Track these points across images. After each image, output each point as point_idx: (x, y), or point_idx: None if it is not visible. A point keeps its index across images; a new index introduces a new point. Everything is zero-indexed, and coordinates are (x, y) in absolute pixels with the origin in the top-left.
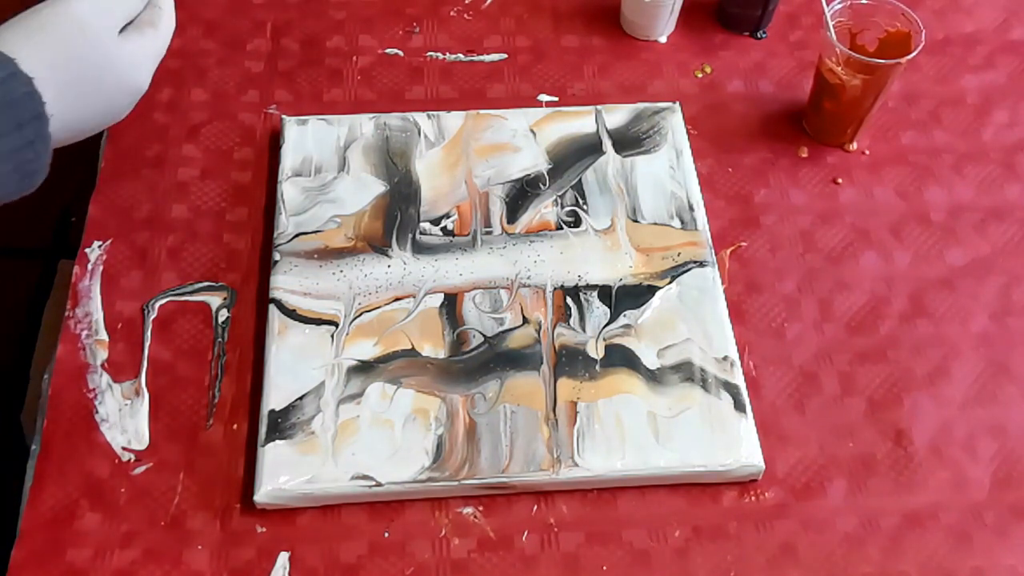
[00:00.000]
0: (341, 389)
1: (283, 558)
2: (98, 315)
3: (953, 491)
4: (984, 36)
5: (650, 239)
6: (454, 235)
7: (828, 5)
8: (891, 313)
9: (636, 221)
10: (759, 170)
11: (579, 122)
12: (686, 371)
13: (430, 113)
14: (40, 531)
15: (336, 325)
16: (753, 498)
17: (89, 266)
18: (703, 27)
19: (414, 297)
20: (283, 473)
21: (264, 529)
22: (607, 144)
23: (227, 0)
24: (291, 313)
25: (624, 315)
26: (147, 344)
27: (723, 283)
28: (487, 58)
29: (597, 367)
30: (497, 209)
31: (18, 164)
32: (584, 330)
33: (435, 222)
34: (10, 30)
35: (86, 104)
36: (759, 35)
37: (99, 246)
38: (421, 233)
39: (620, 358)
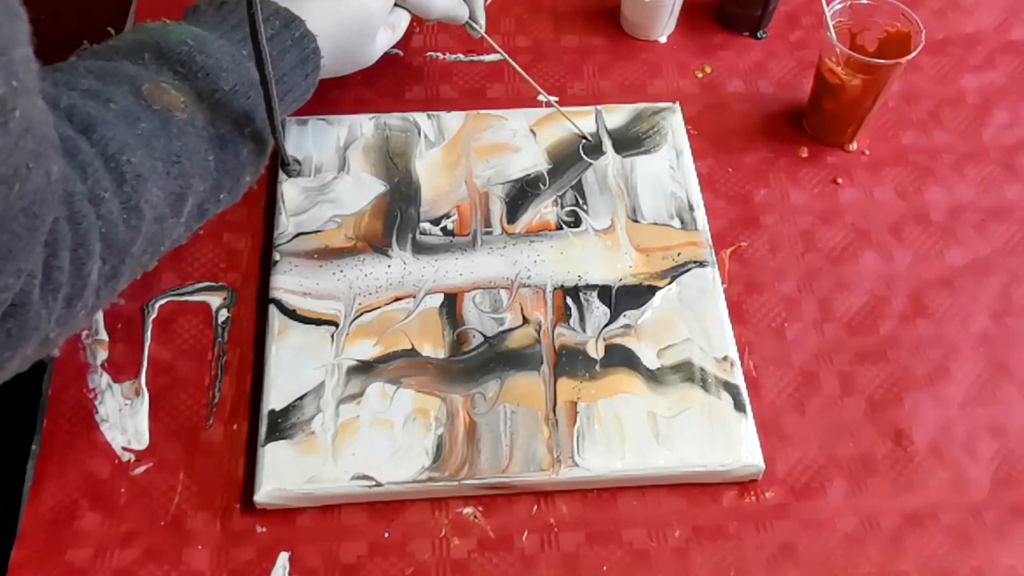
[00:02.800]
0: (341, 389)
1: (283, 558)
2: (98, 315)
3: (953, 491)
4: (984, 36)
5: (650, 239)
6: (454, 235)
7: (828, 5)
8: (891, 313)
9: (636, 221)
10: (759, 170)
11: (579, 122)
12: (686, 371)
13: (430, 113)
14: (40, 531)
15: (336, 325)
16: (753, 498)
17: None
18: (703, 27)
19: (414, 297)
20: (283, 473)
21: (264, 529)
22: (607, 144)
23: None
24: (291, 313)
25: (624, 315)
26: (147, 344)
27: (723, 283)
28: (487, 58)
29: (597, 367)
30: (497, 209)
31: (298, 105)
32: (584, 330)
33: (435, 222)
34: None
35: (337, 66)
36: (759, 35)
37: None
38: (421, 233)
39: (620, 358)
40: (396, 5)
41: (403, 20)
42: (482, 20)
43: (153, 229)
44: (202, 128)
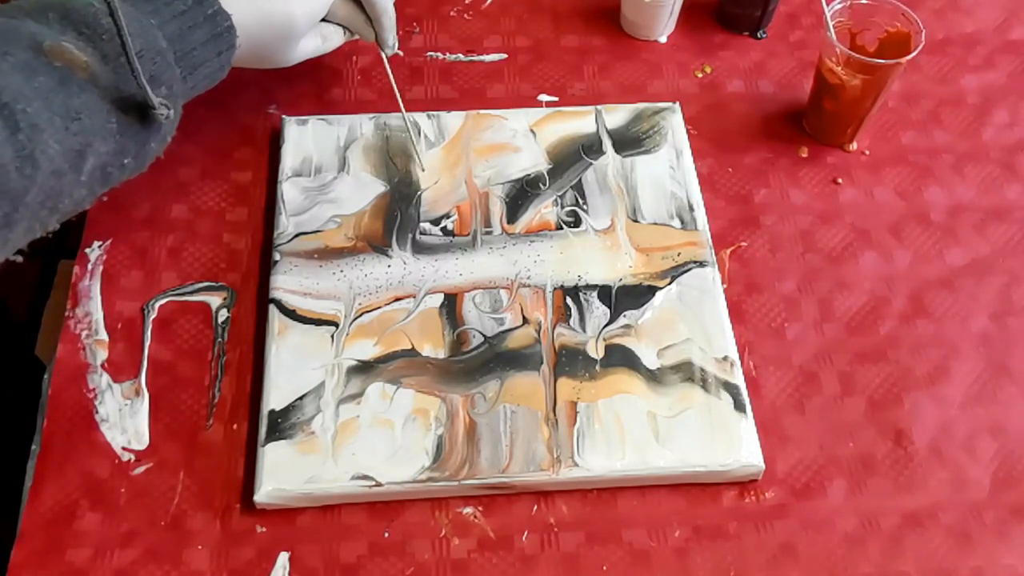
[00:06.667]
0: (341, 389)
1: (283, 558)
2: (98, 315)
3: (953, 491)
4: (984, 36)
5: (650, 239)
6: (454, 235)
7: (828, 5)
8: (891, 313)
9: (636, 221)
10: (759, 170)
11: (579, 122)
12: (686, 371)
13: (430, 113)
14: (40, 531)
15: (336, 325)
16: (753, 498)
17: (89, 266)
18: (703, 27)
19: (414, 297)
20: (283, 473)
21: (264, 529)
22: (607, 144)
23: None
24: (291, 313)
25: (624, 315)
26: (147, 344)
27: (723, 283)
28: (487, 58)
29: (597, 367)
30: (497, 209)
31: (210, 81)
32: (584, 330)
33: (435, 222)
34: None
35: (252, 57)
36: (759, 35)
37: (99, 246)
38: (421, 233)
39: (620, 358)
40: (326, 20)
41: (336, 34)
42: (392, 41)
43: (51, 183)
44: (104, 89)
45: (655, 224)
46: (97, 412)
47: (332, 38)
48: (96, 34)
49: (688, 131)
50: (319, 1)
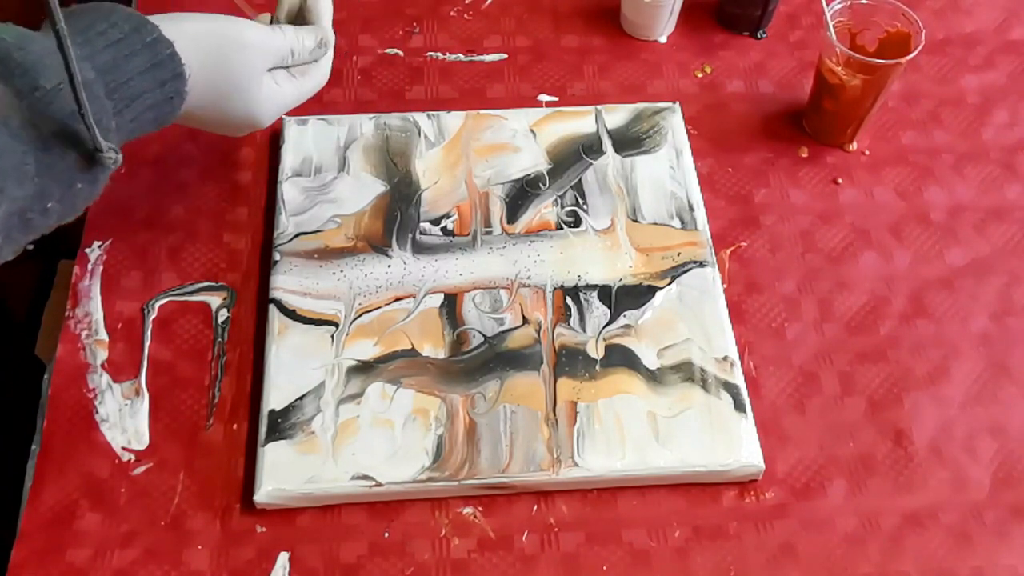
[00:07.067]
0: (341, 389)
1: (283, 558)
2: (98, 315)
3: (953, 491)
4: (984, 36)
5: (650, 239)
6: (454, 235)
7: (828, 5)
8: (891, 313)
9: (636, 221)
10: (759, 170)
11: (579, 122)
12: (686, 371)
13: (430, 113)
14: (40, 531)
15: (336, 325)
16: (753, 498)
17: (89, 266)
18: (703, 27)
19: (414, 297)
20: (283, 473)
21: (264, 529)
22: (607, 144)
23: (227, 0)
24: (291, 313)
25: (624, 315)
26: (147, 344)
27: (723, 283)
28: (487, 58)
29: (597, 367)
30: (497, 209)
31: (157, 115)
32: (584, 330)
33: (435, 222)
34: (180, 19)
35: (214, 95)
36: (759, 35)
37: (99, 246)
38: (421, 233)
39: (620, 358)
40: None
41: (316, 72)
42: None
43: None
44: (19, 129)
45: (655, 224)
46: (97, 412)
47: (312, 74)
48: (7, 69)
49: (688, 131)
50: (272, 39)
